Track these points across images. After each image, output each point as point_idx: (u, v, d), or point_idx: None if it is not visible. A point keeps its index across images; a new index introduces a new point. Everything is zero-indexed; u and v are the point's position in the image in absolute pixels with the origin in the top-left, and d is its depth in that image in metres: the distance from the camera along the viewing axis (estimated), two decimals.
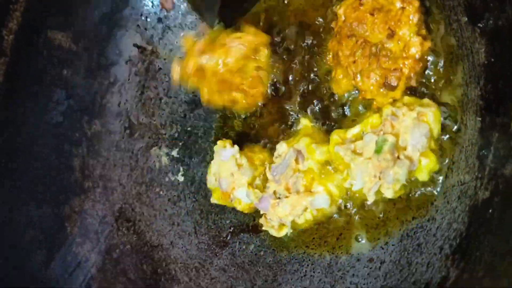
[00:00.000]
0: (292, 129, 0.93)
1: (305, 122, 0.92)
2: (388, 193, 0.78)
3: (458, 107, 0.80)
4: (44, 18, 0.98)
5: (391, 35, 0.80)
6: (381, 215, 0.85)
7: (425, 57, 0.81)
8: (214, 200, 0.96)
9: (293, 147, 0.88)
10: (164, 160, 1.02)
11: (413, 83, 0.80)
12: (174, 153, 1.02)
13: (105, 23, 1.01)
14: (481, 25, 0.77)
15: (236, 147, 0.92)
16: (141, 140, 1.02)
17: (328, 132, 0.88)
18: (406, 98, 0.80)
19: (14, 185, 0.97)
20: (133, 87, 1.02)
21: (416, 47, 0.80)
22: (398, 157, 0.76)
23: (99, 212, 0.99)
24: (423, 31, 0.80)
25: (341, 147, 0.82)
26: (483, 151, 0.75)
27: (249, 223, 0.95)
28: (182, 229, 0.99)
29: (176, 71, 0.92)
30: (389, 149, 0.76)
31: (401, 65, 0.80)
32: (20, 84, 0.98)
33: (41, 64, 0.99)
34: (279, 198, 0.89)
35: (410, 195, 0.82)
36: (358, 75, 0.83)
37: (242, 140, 0.97)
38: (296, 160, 0.87)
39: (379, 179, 0.78)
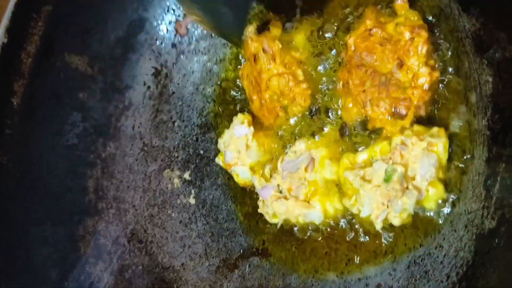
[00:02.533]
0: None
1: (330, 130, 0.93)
2: (395, 222, 0.80)
3: (466, 137, 0.81)
4: (61, 41, 1.00)
5: (400, 65, 0.82)
6: (389, 241, 0.86)
7: (434, 87, 0.82)
8: (218, 160, 1.00)
9: (309, 152, 0.90)
10: (176, 182, 1.04)
11: (422, 112, 0.82)
12: (186, 175, 1.04)
13: (121, 47, 1.03)
14: (488, 57, 0.78)
15: (251, 128, 0.95)
16: (154, 163, 1.04)
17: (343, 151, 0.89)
18: (416, 127, 0.81)
19: (30, 205, 0.98)
20: (147, 111, 1.05)
21: (425, 77, 0.81)
22: (407, 187, 0.78)
23: (112, 233, 1.01)
24: (432, 62, 0.82)
25: (351, 172, 0.83)
26: (490, 181, 0.76)
27: (259, 247, 0.97)
28: (193, 251, 1.00)
29: None
30: (398, 179, 0.77)
31: (410, 95, 0.81)
32: (37, 106, 0.99)
33: (58, 86, 1.00)
34: (280, 192, 0.91)
35: (418, 222, 0.83)
36: (368, 104, 0.84)
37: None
38: (306, 168, 0.89)
39: (387, 207, 0.79)
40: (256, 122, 0.97)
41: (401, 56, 0.82)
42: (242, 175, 0.96)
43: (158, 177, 1.04)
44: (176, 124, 1.05)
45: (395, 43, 0.82)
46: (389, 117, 0.82)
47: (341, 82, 0.89)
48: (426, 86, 0.81)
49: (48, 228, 0.99)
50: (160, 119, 1.05)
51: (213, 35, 1.04)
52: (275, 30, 0.92)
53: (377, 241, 0.87)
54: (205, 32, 1.04)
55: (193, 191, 1.04)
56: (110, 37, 1.02)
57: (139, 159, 1.04)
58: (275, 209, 0.90)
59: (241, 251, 0.98)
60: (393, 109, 0.82)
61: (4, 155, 0.94)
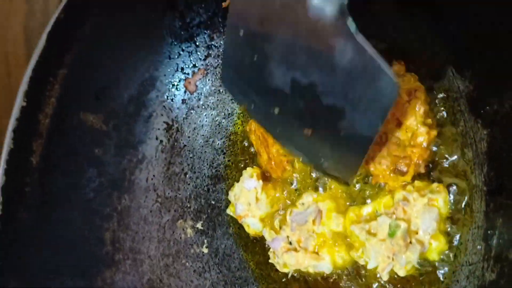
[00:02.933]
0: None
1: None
2: (401, 273, 0.85)
3: (464, 191, 0.86)
4: (76, 102, 1.04)
5: (399, 125, 0.86)
6: None
7: (431, 145, 0.87)
8: (229, 211, 1.05)
9: (316, 204, 0.94)
10: (189, 232, 1.09)
11: (422, 169, 0.87)
12: (199, 225, 1.09)
13: (133, 104, 1.08)
14: (482, 117, 0.84)
15: (260, 182, 0.99)
16: (168, 213, 1.09)
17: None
18: (416, 183, 0.87)
19: (49, 259, 1.02)
20: (159, 163, 1.09)
21: (423, 136, 0.87)
22: (410, 242, 0.83)
23: (129, 284, 1.05)
24: (429, 121, 0.87)
25: (357, 226, 0.88)
26: (489, 234, 0.81)
27: None
28: None
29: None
30: (401, 234, 0.82)
31: (410, 153, 0.87)
32: (54, 163, 1.03)
33: (74, 144, 1.04)
34: (290, 243, 0.95)
35: (422, 272, 0.88)
36: (370, 162, 0.89)
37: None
38: (314, 220, 0.93)
39: (392, 260, 0.84)
40: (264, 175, 1.02)
41: (400, 117, 0.86)
42: (252, 226, 1.00)
43: (172, 228, 1.08)
44: (187, 175, 1.09)
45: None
46: (391, 174, 0.87)
47: None
48: (424, 144, 0.86)
49: (67, 281, 1.02)
50: (172, 171, 1.10)
51: (221, 90, 1.09)
52: None
53: None
54: (213, 88, 1.09)
55: (205, 241, 1.08)
56: (123, 95, 1.07)
57: (153, 211, 1.08)
58: (286, 260, 0.94)
59: None
60: (394, 167, 0.86)
61: (25, 211, 0.98)
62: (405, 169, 0.87)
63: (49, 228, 1.02)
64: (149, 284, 1.05)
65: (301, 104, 0.80)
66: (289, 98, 0.79)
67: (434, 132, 0.87)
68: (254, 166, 1.03)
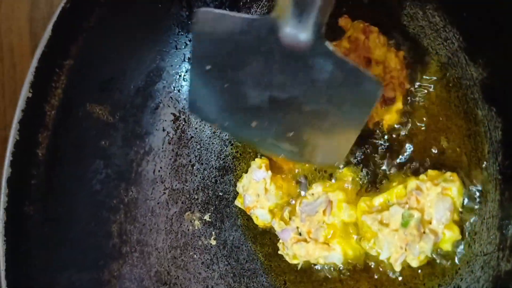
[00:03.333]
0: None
1: (346, 172, 0.97)
2: (413, 263, 0.83)
3: (479, 181, 0.85)
4: (83, 93, 1.03)
5: (369, 62, 0.90)
6: (408, 281, 0.89)
7: (403, 64, 0.90)
8: (237, 203, 1.04)
9: (327, 195, 0.93)
10: (197, 224, 1.07)
11: (407, 86, 0.89)
12: (206, 217, 1.08)
13: (140, 95, 1.07)
14: (496, 105, 0.82)
15: (269, 172, 0.98)
16: (175, 205, 1.07)
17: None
18: (430, 172, 0.85)
19: (56, 252, 1.01)
20: (167, 155, 1.08)
21: (393, 60, 0.89)
22: (424, 232, 0.82)
23: (137, 276, 1.04)
24: (392, 48, 0.90)
25: (368, 216, 0.87)
26: (504, 224, 0.80)
27: (281, 287, 1.00)
28: None
29: None
30: (415, 224, 0.81)
31: (389, 78, 0.88)
32: (61, 155, 1.02)
33: (81, 136, 1.04)
34: (299, 234, 0.94)
35: (435, 263, 0.86)
36: None
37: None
38: (324, 211, 0.92)
39: (405, 250, 0.83)
40: (273, 166, 1.01)
41: (366, 55, 0.89)
42: (261, 217, 0.99)
43: (179, 219, 1.07)
44: (195, 167, 1.08)
45: (356, 49, 0.89)
46: (382, 107, 0.89)
47: None
48: (398, 66, 0.88)
49: (74, 274, 1.02)
50: (179, 162, 1.08)
51: None
52: None
53: (396, 282, 0.90)
54: None
55: (213, 233, 1.07)
56: (130, 86, 1.06)
57: (160, 202, 1.07)
58: (295, 251, 0.93)
59: None
60: (382, 98, 0.89)
61: (31, 204, 0.97)
62: (392, 94, 0.89)
63: (55, 220, 1.01)
64: (156, 276, 1.04)
65: (280, 115, 0.78)
66: (267, 112, 0.78)
67: (401, 53, 0.89)
68: (263, 157, 1.02)
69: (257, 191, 0.98)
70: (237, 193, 1.05)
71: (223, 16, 0.73)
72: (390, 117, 0.92)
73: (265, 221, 1.00)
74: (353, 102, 0.75)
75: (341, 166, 0.97)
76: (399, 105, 0.91)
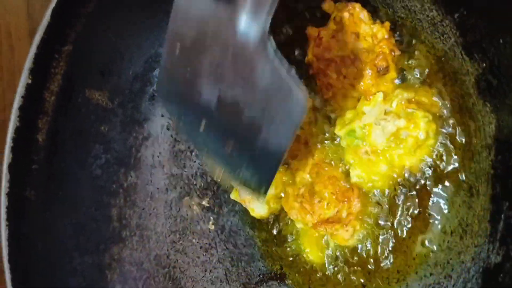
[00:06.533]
0: None
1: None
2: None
3: (472, 173, 0.87)
4: (82, 79, 1.03)
5: (357, 37, 0.92)
6: (401, 270, 0.92)
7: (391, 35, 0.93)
8: (233, 196, 1.05)
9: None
10: (196, 209, 1.10)
11: (397, 52, 0.93)
12: (205, 202, 1.10)
13: (139, 81, 1.07)
14: (491, 100, 0.84)
15: None
16: (174, 190, 1.09)
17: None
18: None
19: (57, 237, 1.03)
20: (165, 141, 1.09)
21: (380, 31, 0.92)
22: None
23: (136, 260, 1.06)
24: (377, 23, 0.93)
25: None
26: (495, 217, 0.82)
27: (277, 272, 1.03)
28: (214, 276, 1.06)
29: None
30: None
31: (379, 49, 0.91)
32: (60, 141, 1.03)
33: (80, 121, 1.04)
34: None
35: (428, 252, 0.89)
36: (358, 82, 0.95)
37: None
38: None
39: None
40: None
41: (354, 30, 0.92)
42: (257, 210, 1.01)
43: (178, 204, 1.09)
44: (193, 153, 1.10)
45: (342, 29, 0.93)
46: (378, 77, 0.93)
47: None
48: (386, 36, 0.92)
49: (76, 259, 1.04)
50: (178, 148, 1.10)
51: None
52: None
53: (390, 269, 0.93)
54: None
55: (212, 218, 1.09)
56: (129, 72, 1.06)
57: (159, 187, 1.09)
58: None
59: (260, 275, 1.04)
60: (376, 69, 0.91)
61: (32, 190, 0.98)
62: (385, 63, 0.91)
63: (56, 205, 1.02)
64: (156, 260, 1.07)
65: (224, 120, 0.82)
66: (214, 114, 0.81)
67: (386, 24, 0.92)
68: None
69: None
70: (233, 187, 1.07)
71: None
72: (386, 87, 0.94)
73: (261, 213, 1.02)
74: (281, 118, 0.77)
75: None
76: (393, 74, 0.93)
